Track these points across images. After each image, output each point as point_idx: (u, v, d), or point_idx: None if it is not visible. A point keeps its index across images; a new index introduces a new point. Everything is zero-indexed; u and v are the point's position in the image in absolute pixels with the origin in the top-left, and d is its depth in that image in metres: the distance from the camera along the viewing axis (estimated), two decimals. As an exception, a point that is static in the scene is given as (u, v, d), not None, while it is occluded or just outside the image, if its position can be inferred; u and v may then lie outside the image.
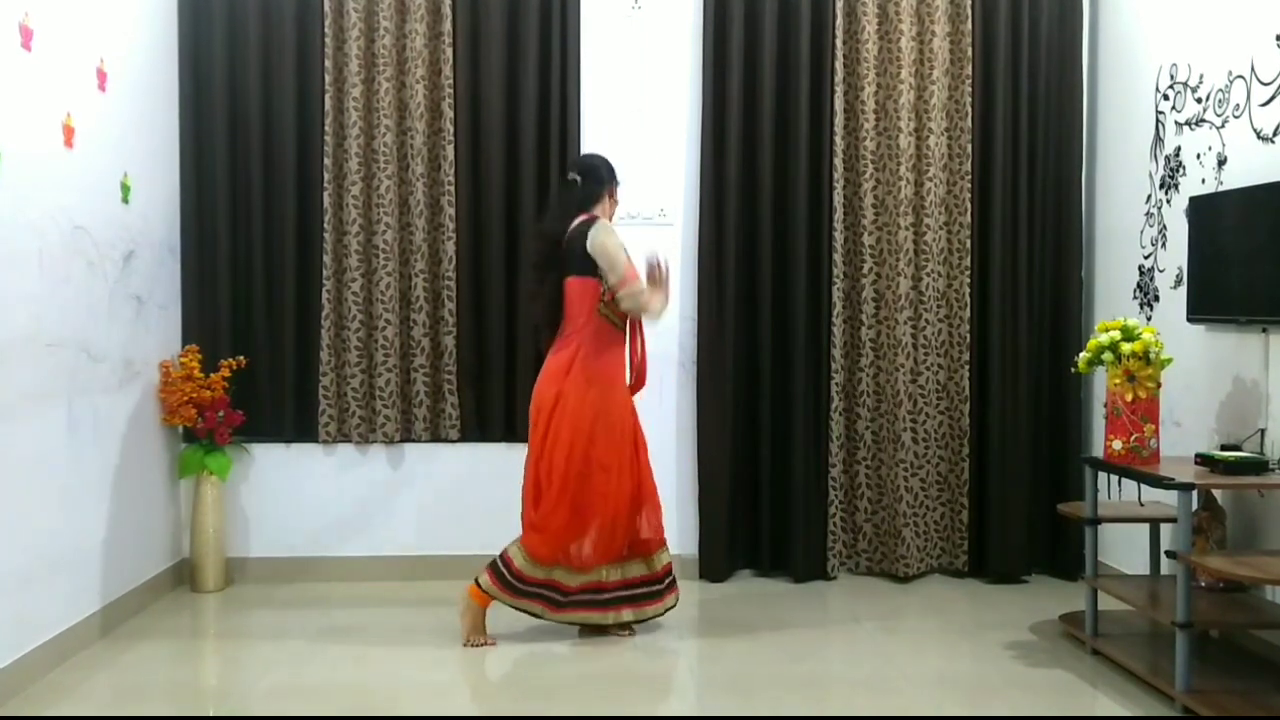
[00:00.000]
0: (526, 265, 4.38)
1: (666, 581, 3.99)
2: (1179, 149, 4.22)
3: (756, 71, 4.75)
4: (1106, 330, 3.73)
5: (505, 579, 3.82)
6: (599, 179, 3.94)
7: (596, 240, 3.79)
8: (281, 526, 4.75)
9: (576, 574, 3.83)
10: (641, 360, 3.97)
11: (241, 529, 4.74)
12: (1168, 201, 4.28)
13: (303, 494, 4.75)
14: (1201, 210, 3.94)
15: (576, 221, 3.87)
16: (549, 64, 4.74)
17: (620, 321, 3.88)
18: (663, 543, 3.99)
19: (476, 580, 3.85)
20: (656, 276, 3.82)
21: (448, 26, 4.70)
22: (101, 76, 3.99)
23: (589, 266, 3.81)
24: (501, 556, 3.85)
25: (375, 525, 4.77)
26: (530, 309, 4.08)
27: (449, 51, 4.71)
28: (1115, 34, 4.74)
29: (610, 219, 3.96)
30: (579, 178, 3.94)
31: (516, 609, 3.85)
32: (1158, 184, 4.35)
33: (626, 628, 3.98)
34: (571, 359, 3.81)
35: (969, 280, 4.79)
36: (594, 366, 3.82)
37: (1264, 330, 3.67)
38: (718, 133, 4.74)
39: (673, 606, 4.00)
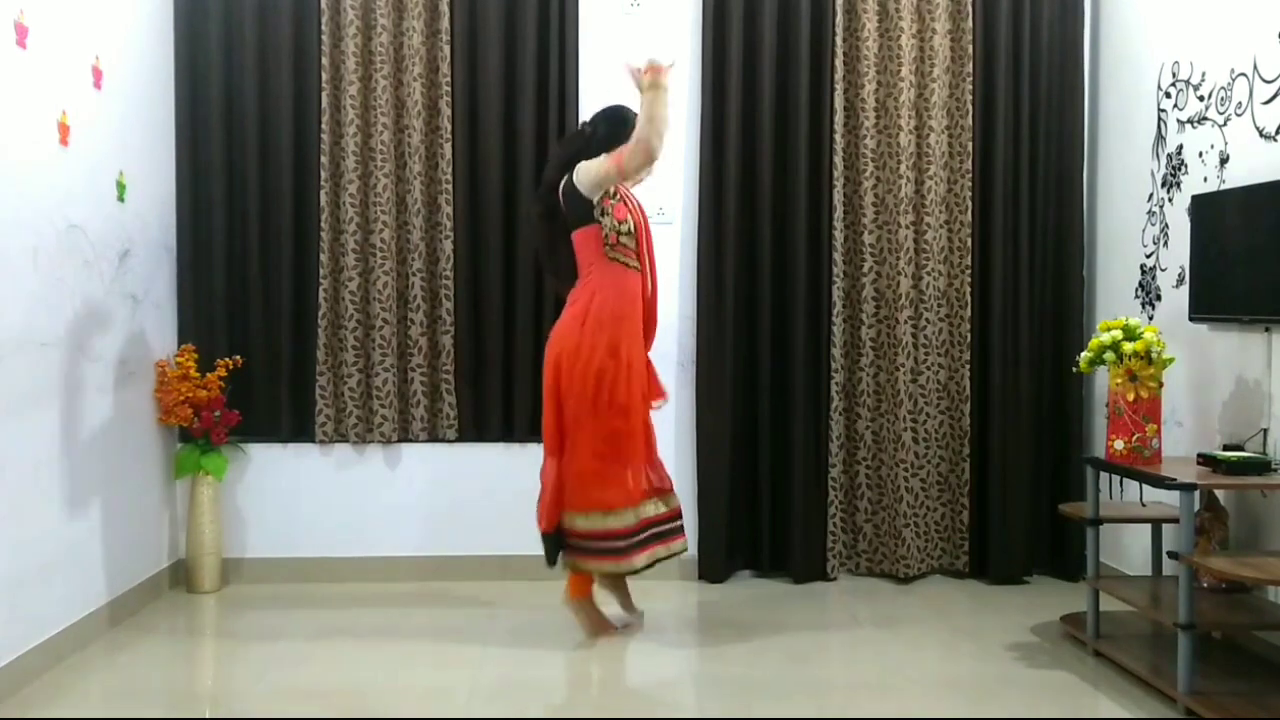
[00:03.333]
0: (531, 216, 4.22)
1: (679, 523, 3.99)
2: (1181, 147, 4.20)
3: (756, 69, 4.73)
4: (1108, 329, 3.71)
5: (580, 547, 3.78)
6: (623, 126, 3.81)
7: (578, 177, 3.74)
8: (278, 527, 4.73)
9: (625, 512, 3.78)
10: (651, 308, 3.91)
11: (238, 529, 4.72)
12: (1170, 200, 4.26)
13: (299, 494, 4.73)
14: (1204, 209, 3.92)
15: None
16: (547, 62, 4.71)
17: (632, 260, 3.82)
18: (672, 485, 4.02)
19: (571, 568, 3.83)
20: (658, 71, 3.72)
21: (445, 24, 4.68)
22: (97, 74, 3.97)
23: (586, 215, 3.77)
24: (564, 533, 3.80)
25: (372, 526, 4.75)
26: (545, 262, 4.04)
27: (446, 49, 4.69)
28: (1117, 31, 4.72)
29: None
30: (594, 126, 3.88)
31: (596, 571, 3.84)
32: (1159, 182, 4.33)
33: (629, 625, 4.01)
34: (586, 309, 3.77)
35: (970, 279, 4.77)
36: (611, 310, 3.77)
37: (1266, 330, 3.65)
38: (717, 131, 4.72)
39: (684, 550, 4.01)
